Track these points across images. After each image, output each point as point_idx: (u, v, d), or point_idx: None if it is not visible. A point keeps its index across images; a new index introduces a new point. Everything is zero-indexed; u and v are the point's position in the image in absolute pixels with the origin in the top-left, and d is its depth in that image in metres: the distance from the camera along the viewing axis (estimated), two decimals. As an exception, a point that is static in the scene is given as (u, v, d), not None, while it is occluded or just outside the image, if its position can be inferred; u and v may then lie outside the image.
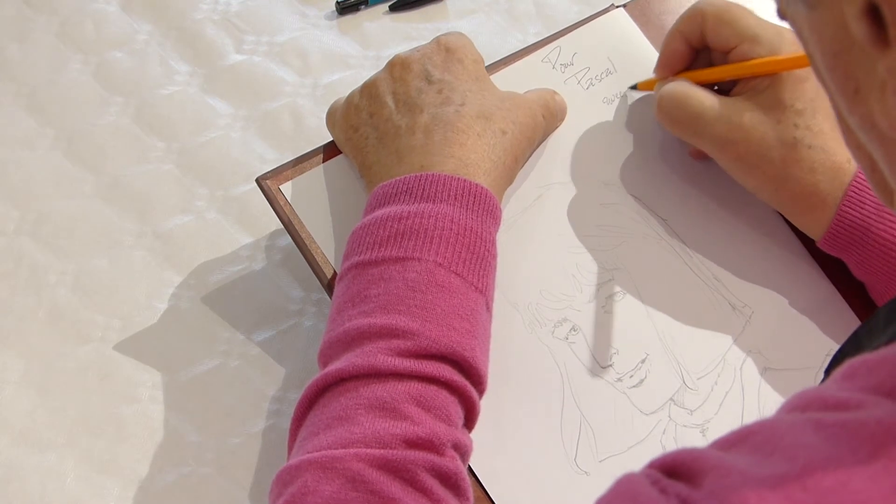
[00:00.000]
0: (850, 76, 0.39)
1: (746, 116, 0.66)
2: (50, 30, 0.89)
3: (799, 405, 0.41)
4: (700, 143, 0.69)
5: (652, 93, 0.73)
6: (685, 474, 0.40)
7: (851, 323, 0.71)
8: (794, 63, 0.66)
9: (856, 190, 0.66)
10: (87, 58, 0.88)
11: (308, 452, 0.56)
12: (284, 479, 0.56)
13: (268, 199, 0.71)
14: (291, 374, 0.74)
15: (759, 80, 0.67)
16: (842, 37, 0.38)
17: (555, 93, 0.74)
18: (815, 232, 0.68)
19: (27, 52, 0.88)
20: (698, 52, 0.71)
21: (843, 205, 0.66)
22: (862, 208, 0.66)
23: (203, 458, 0.71)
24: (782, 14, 0.42)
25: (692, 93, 0.68)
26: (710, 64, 0.71)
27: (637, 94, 0.75)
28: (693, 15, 0.69)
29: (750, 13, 0.68)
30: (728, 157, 0.68)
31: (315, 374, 0.61)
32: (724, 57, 0.69)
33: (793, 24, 0.41)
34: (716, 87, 0.70)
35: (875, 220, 0.66)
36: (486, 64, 0.72)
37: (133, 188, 0.81)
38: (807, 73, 0.66)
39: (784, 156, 0.66)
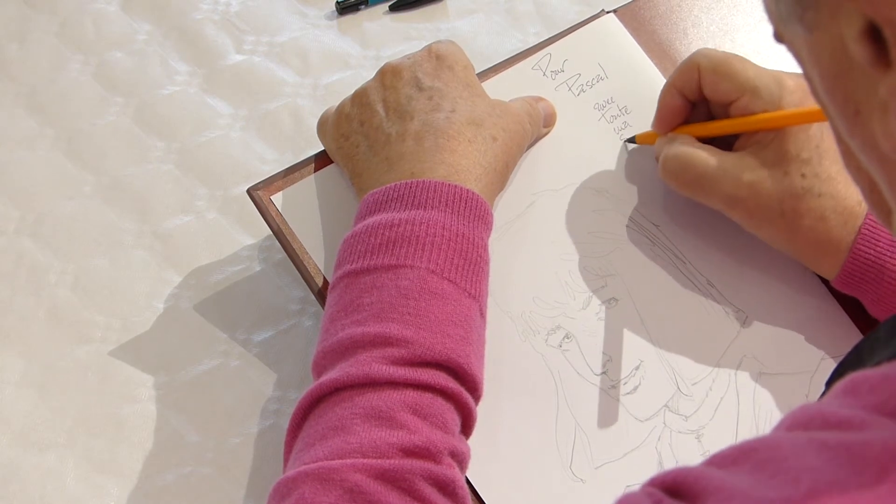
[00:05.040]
0: (850, 98, 0.38)
1: (753, 173, 0.66)
2: (50, 30, 0.89)
3: (800, 422, 0.41)
4: (708, 202, 0.68)
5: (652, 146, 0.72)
6: (686, 494, 0.40)
7: (845, 326, 0.72)
8: (802, 118, 0.65)
9: (869, 228, 0.65)
10: (87, 58, 0.88)
11: (304, 464, 0.56)
12: (281, 492, 0.56)
13: (259, 210, 0.71)
14: (291, 375, 0.74)
15: (764, 133, 0.66)
16: (841, 59, 0.37)
17: (538, 100, 0.74)
18: (829, 273, 0.68)
19: (27, 52, 0.88)
20: (696, 104, 0.70)
21: (857, 243, 0.66)
22: (876, 246, 0.65)
23: (203, 458, 0.71)
24: (779, 37, 0.41)
25: (696, 154, 0.67)
26: (709, 114, 0.70)
27: (633, 147, 0.75)
28: (688, 69, 0.68)
29: (748, 63, 0.67)
30: (738, 214, 0.67)
31: (313, 376, 0.62)
32: (724, 109, 0.69)
33: (790, 47, 0.41)
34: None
35: (889, 257, 0.65)
36: (477, 71, 0.73)
37: (133, 188, 0.81)
38: None
39: (794, 207, 0.65)
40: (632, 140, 0.74)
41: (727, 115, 0.69)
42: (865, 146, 0.39)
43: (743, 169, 0.66)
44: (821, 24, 0.38)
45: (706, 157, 0.67)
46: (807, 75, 0.41)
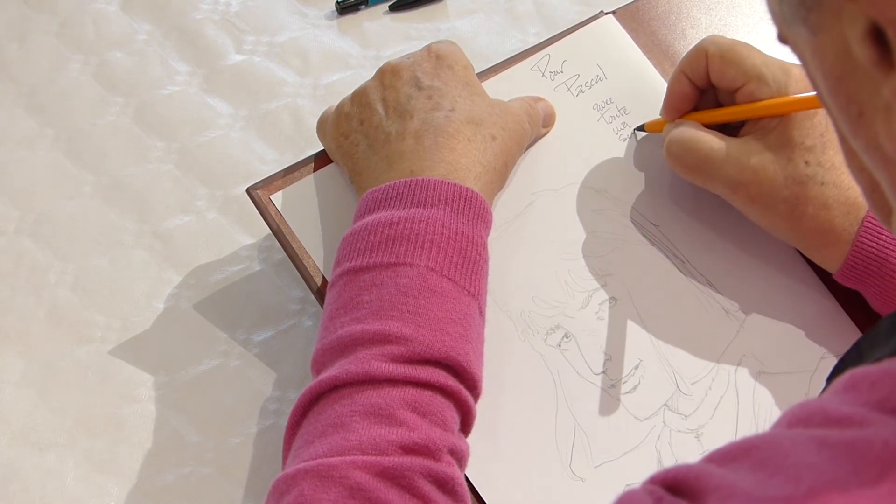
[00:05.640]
0: (853, 100, 0.38)
1: (756, 158, 0.66)
2: (50, 30, 0.89)
3: (801, 418, 0.41)
4: (711, 187, 0.68)
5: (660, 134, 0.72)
6: (687, 492, 0.40)
7: (845, 325, 0.72)
8: (806, 104, 0.65)
9: (872, 220, 0.65)
10: (87, 58, 0.88)
11: (304, 461, 0.56)
12: (280, 489, 0.56)
13: (259, 210, 0.71)
14: (291, 375, 0.74)
15: (768, 119, 0.66)
16: (845, 60, 0.38)
17: (537, 100, 0.74)
18: (831, 266, 0.68)
19: (27, 52, 0.88)
20: (704, 91, 0.70)
21: (860, 236, 0.66)
22: (879, 239, 0.65)
23: (203, 458, 0.71)
24: (783, 39, 0.42)
25: (700, 137, 0.67)
26: (717, 102, 0.71)
27: (643, 135, 0.75)
28: (696, 55, 0.68)
29: (755, 51, 0.68)
30: (740, 199, 0.67)
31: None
32: (731, 96, 0.69)
33: (794, 48, 0.41)
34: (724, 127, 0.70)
35: (892, 251, 0.65)
36: (477, 71, 0.73)
37: (133, 188, 0.82)
38: None
39: (797, 194, 0.66)
40: (641, 128, 0.75)
41: (734, 103, 0.69)
42: (868, 147, 0.39)
43: (747, 153, 0.66)
44: (824, 25, 0.38)
45: (710, 140, 0.67)
46: (810, 76, 0.41)
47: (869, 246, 0.65)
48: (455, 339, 0.60)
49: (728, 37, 0.69)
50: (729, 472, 0.39)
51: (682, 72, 0.69)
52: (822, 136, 0.66)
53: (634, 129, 0.75)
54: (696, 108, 0.71)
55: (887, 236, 0.65)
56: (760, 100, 0.67)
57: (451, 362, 0.60)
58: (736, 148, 0.67)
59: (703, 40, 0.68)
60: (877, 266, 0.66)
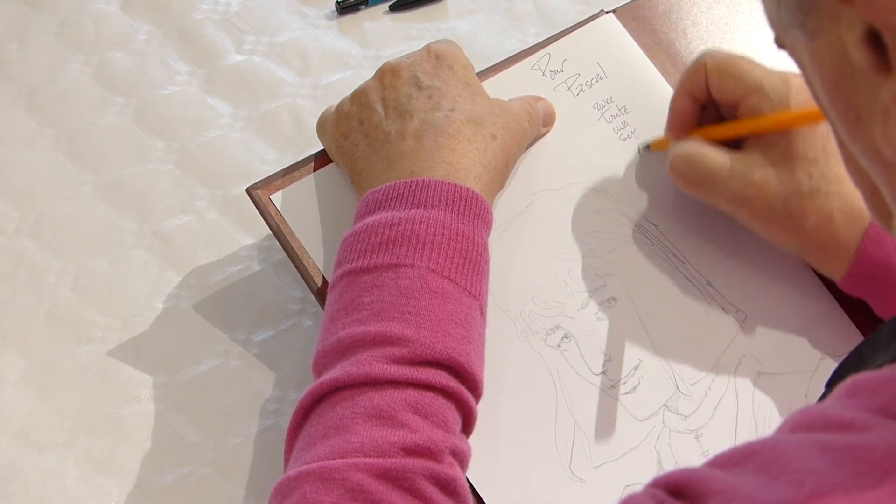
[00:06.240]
0: (851, 104, 0.39)
1: (760, 173, 0.66)
2: (50, 30, 0.89)
3: (803, 424, 0.41)
4: (716, 202, 0.68)
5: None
6: (689, 495, 0.40)
7: (844, 326, 0.72)
8: (812, 118, 0.65)
9: (876, 229, 0.65)
10: (87, 58, 0.88)
11: (305, 463, 0.56)
12: (283, 492, 0.56)
13: (258, 210, 0.71)
14: (291, 375, 0.74)
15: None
16: (842, 65, 0.38)
17: (537, 99, 0.74)
18: (836, 275, 0.68)
19: (27, 52, 0.88)
20: (705, 106, 0.70)
21: (864, 244, 0.65)
22: (883, 247, 0.65)
23: (203, 458, 0.71)
24: (780, 44, 0.42)
25: (704, 153, 0.67)
26: (719, 116, 0.70)
27: (649, 153, 0.74)
28: (696, 70, 0.68)
29: (754, 63, 0.67)
30: (746, 215, 0.67)
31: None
32: (732, 110, 0.68)
33: (791, 53, 0.41)
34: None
35: None
36: (477, 70, 0.72)
37: (133, 188, 0.82)
38: None
39: (802, 207, 0.65)
40: (647, 147, 0.74)
41: (735, 117, 0.68)
42: (867, 151, 0.39)
43: (750, 168, 0.66)
44: (822, 30, 0.38)
45: (714, 156, 0.67)
46: (808, 81, 0.41)
47: (873, 254, 0.65)
48: (456, 340, 0.60)
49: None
50: (731, 475, 0.39)
51: (684, 89, 0.69)
52: (824, 148, 0.66)
53: (642, 148, 0.74)
54: (699, 123, 0.71)
55: (891, 245, 0.65)
56: (762, 112, 0.66)
57: (453, 363, 0.60)
58: (740, 164, 0.66)
59: (701, 55, 0.68)
60: (881, 274, 0.65)
